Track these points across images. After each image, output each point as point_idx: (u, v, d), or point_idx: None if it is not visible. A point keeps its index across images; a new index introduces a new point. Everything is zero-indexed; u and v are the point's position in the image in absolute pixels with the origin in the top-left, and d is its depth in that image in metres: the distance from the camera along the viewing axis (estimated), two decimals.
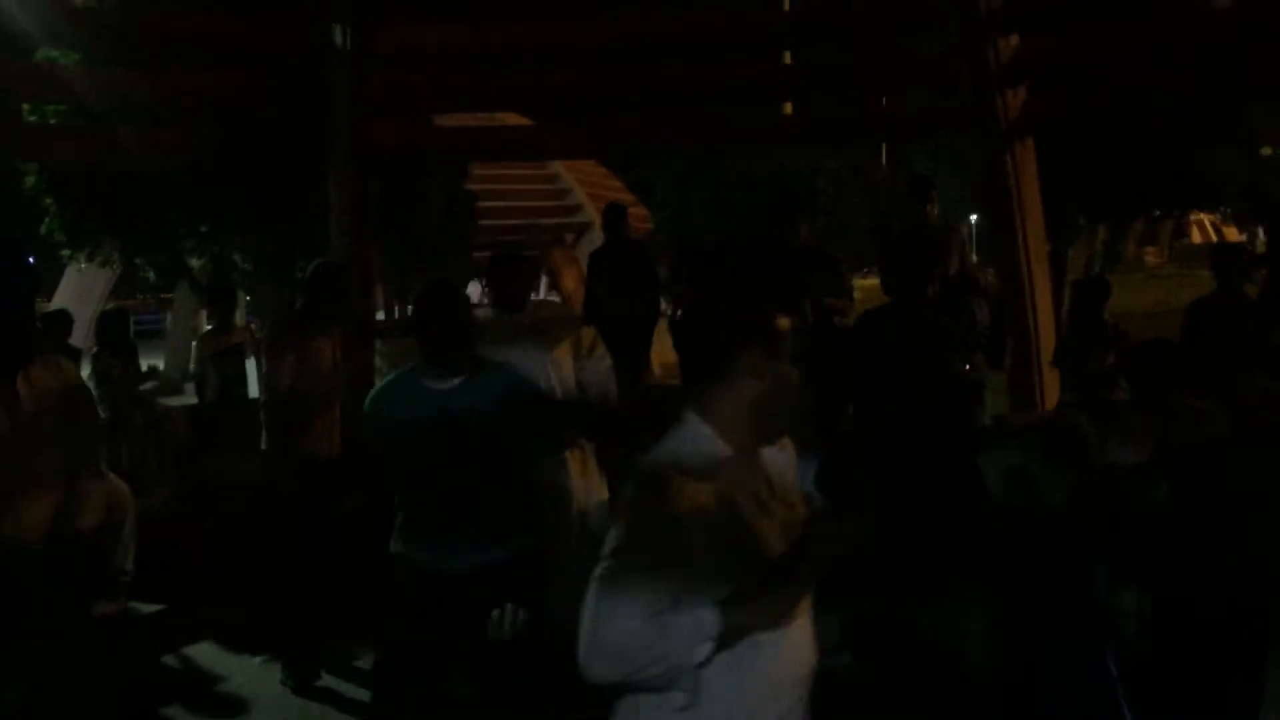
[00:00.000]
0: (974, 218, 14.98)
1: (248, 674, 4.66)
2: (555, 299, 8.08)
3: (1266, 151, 16.14)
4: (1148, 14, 6.89)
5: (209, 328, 7.66)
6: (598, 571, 2.12)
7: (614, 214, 7.76)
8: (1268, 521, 3.43)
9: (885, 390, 4.71)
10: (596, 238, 13.55)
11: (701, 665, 2.10)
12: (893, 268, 5.11)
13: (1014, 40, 5.95)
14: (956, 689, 3.84)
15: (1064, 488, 4.21)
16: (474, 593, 3.31)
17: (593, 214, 15.84)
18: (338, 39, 6.29)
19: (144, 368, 6.86)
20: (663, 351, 8.06)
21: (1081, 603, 3.35)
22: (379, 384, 3.58)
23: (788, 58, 11.73)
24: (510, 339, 4.31)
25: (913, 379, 4.67)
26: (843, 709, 2.93)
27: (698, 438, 2.26)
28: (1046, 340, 6.33)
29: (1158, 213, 13.66)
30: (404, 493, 3.48)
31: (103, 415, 5.81)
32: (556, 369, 4.44)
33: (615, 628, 2.07)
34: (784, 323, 2.37)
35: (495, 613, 3.26)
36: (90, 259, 9.90)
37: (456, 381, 3.41)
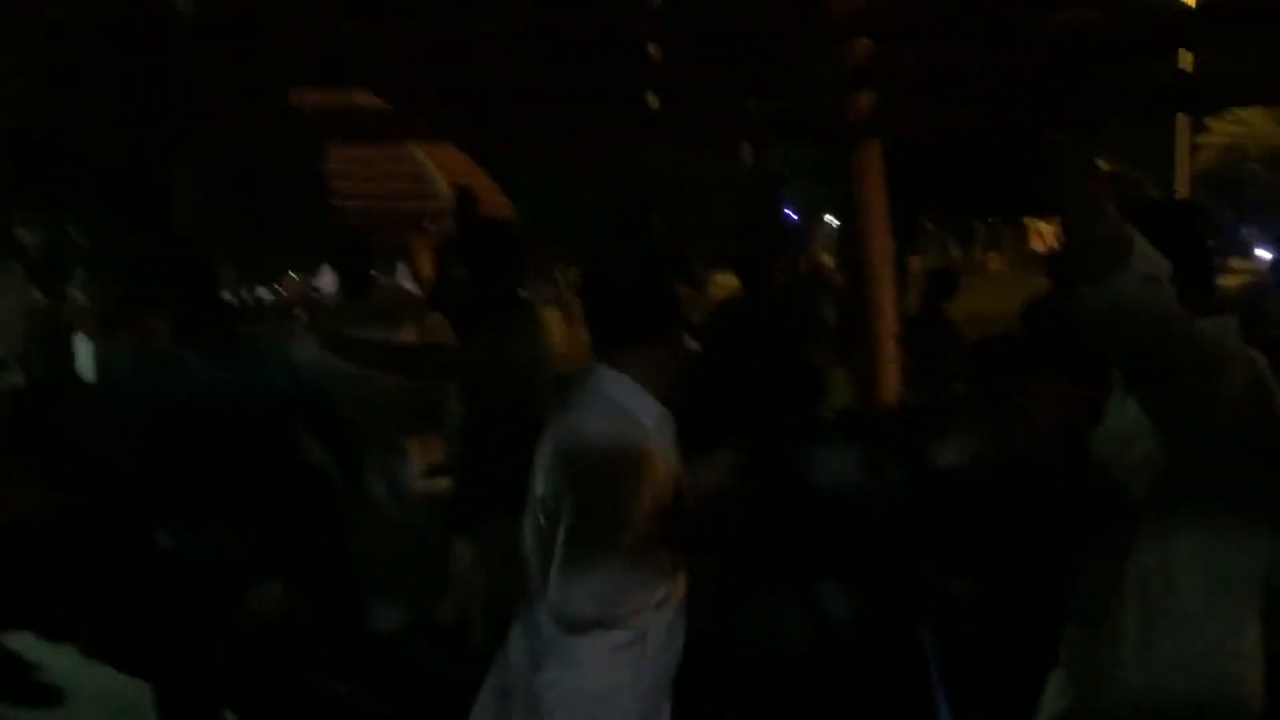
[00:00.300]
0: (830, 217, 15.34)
1: (68, 664, 4.47)
2: (414, 287, 7.95)
3: (1102, 166, 16.94)
4: (998, 31, 7.15)
5: (38, 304, 7.32)
6: (570, 527, 2.24)
7: (466, 200, 7.65)
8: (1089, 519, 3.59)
9: (735, 378, 4.82)
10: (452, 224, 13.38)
11: (659, 605, 2.32)
12: (743, 262, 5.24)
13: (864, 45, 6.11)
14: (788, 672, 3.96)
15: (897, 482, 4.39)
16: (228, 574, 3.25)
17: (452, 201, 15.63)
18: (183, 9, 6.07)
19: None
20: None
21: (903, 588, 3.50)
22: (131, 358, 3.48)
23: (656, 52, 11.78)
24: (352, 325, 4.26)
25: (761, 368, 4.79)
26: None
27: (626, 392, 2.38)
28: (889, 340, 6.53)
29: (998, 220, 14.21)
30: (151, 472, 3.37)
31: None
32: None
33: (596, 575, 2.32)
34: (684, 291, 2.52)
35: (252, 591, 3.22)
36: None
37: (214, 360, 3.33)
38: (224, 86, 6.34)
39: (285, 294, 21.93)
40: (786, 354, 5.01)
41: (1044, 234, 34.73)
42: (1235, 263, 39.19)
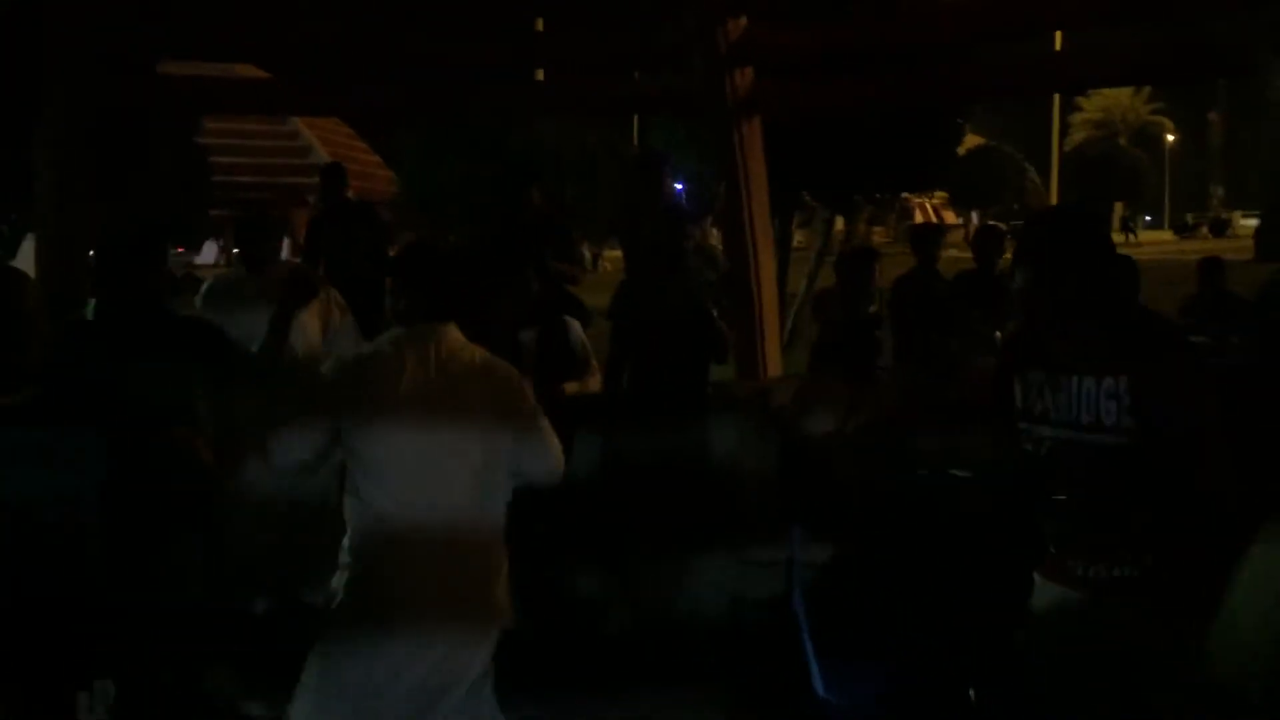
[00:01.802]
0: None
1: None
2: (296, 260, 7.81)
3: (977, 140, 17.51)
4: (873, 10, 7.35)
5: None
6: None
7: (332, 176, 7.40)
8: (949, 485, 3.74)
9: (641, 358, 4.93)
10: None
11: None
12: (633, 243, 5.31)
13: (742, 22, 6.21)
14: (670, 640, 4.07)
15: (771, 454, 4.53)
16: None
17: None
18: None
19: None
20: None
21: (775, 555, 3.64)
22: None
23: (539, 25, 11.79)
24: (255, 300, 4.22)
25: (665, 348, 4.88)
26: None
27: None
28: (769, 313, 6.69)
29: (879, 196, 14.54)
30: None
31: None
32: (302, 331, 4.39)
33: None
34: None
35: None
36: None
37: None
38: (96, 56, 6.16)
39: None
40: (696, 330, 5.12)
41: (926, 209, 35.66)
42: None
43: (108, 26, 6.21)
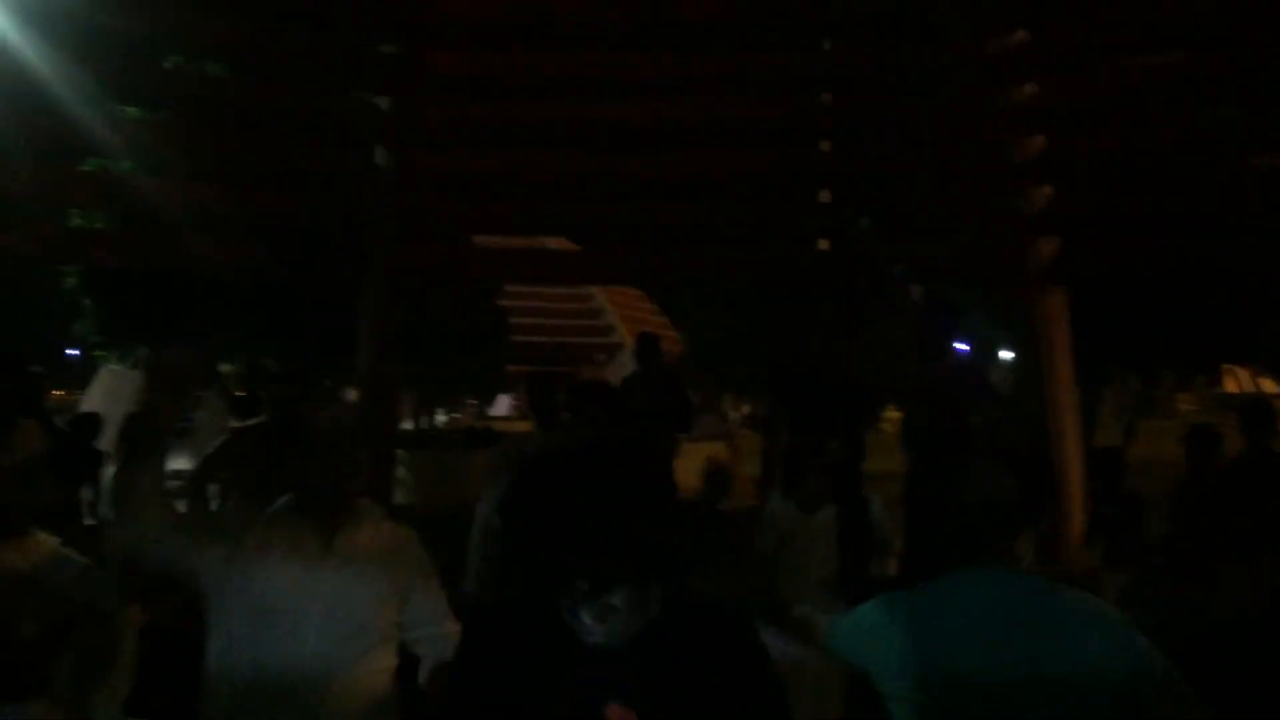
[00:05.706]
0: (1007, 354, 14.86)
1: None
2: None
3: None
4: (1178, 174, 6.96)
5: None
6: None
7: (647, 344, 7.88)
8: None
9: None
10: (626, 359, 13.60)
11: None
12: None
13: (1047, 190, 5.99)
14: None
15: None
16: None
17: (624, 336, 15.96)
18: (380, 160, 6.42)
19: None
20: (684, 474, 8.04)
21: None
22: None
23: (826, 196, 11.86)
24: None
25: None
26: None
27: None
28: (1074, 493, 6.21)
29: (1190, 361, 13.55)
30: None
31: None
32: None
33: None
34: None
35: None
36: (121, 359, 10.07)
37: None
38: (419, 234, 6.66)
39: (462, 418, 22.84)
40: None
41: (1239, 377, 32.99)
42: None
43: (427, 206, 6.74)
